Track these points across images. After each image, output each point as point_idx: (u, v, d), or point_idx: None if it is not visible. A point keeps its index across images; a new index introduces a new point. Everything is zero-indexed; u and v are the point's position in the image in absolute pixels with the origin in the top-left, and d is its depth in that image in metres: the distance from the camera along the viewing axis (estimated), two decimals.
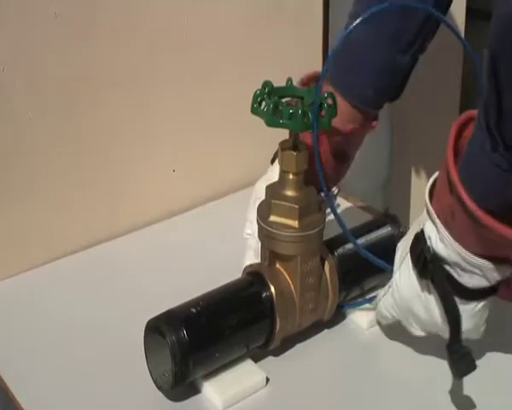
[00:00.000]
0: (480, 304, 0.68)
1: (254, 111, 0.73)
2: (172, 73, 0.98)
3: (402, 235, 0.83)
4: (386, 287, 0.75)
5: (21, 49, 0.84)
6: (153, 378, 0.72)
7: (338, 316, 0.81)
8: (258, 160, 0.90)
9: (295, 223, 0.74)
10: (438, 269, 0.67)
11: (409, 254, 0.70)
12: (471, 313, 0.68)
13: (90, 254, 0.95)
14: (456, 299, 0.67)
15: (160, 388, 0.72)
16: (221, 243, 0.95)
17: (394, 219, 0.85)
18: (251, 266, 0.78)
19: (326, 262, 0.78)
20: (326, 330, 0.81)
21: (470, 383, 0.70)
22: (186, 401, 0.72)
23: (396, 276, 0.73)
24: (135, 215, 0.99)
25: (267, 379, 0.74)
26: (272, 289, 0.74)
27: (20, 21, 0.83)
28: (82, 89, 0.90)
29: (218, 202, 1.06)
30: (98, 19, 0.89)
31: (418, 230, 0.68)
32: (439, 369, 0.72)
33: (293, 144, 0.74)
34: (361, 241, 0.81)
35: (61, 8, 0.85)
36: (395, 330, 0.79)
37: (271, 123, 0.72)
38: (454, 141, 0.64)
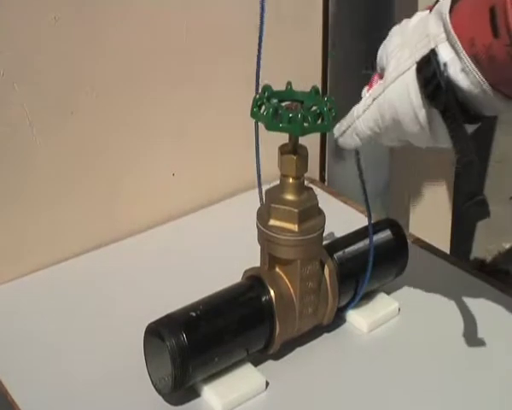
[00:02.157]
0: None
1: (254, 115, 0.73)
2: (172, 77, 0.98)
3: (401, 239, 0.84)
4: (369, 100, 0.70)
5: (21, 54, 0.84)
6: (152, 382, 0.72)
7: (338, 320, 0.81)
8: None
9: (295, 227, 0.74)
10: (451, 100, 0.62)
11: (414, 73, 0.65)
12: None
13: (88, 258, 0.95)
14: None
15: (159, 392, 0.72)
16: (221, 246, 0.95)
17: (394, 223, 0.85)
18: (250, 269, 0.78)
19: (326, 266, 0.77)
20: (326, 334, 0.81)
21: (473, 387, 0.70)
22: (186, 405, 0.72)
23: (389, 88, 0.67)
24: (134, 219, 0.99)
25: (267, 383, 0.74)
26: (272, 293, 0.74)
27: (19, 25, 0.83)
28: (81, 92, 0.90)
29: (218, 206, 1.06)
30: (98, 23, 0.89)
31: (426, 48, 0.63)
32: (441, 373, 0.71)
33: (292, 148, 0.74)
34: (360, 245, 0.81)
35: (61, 13, 0.85)
36: (396, 333, 0.79)
37: (271, 127, 0.72)
38: None
